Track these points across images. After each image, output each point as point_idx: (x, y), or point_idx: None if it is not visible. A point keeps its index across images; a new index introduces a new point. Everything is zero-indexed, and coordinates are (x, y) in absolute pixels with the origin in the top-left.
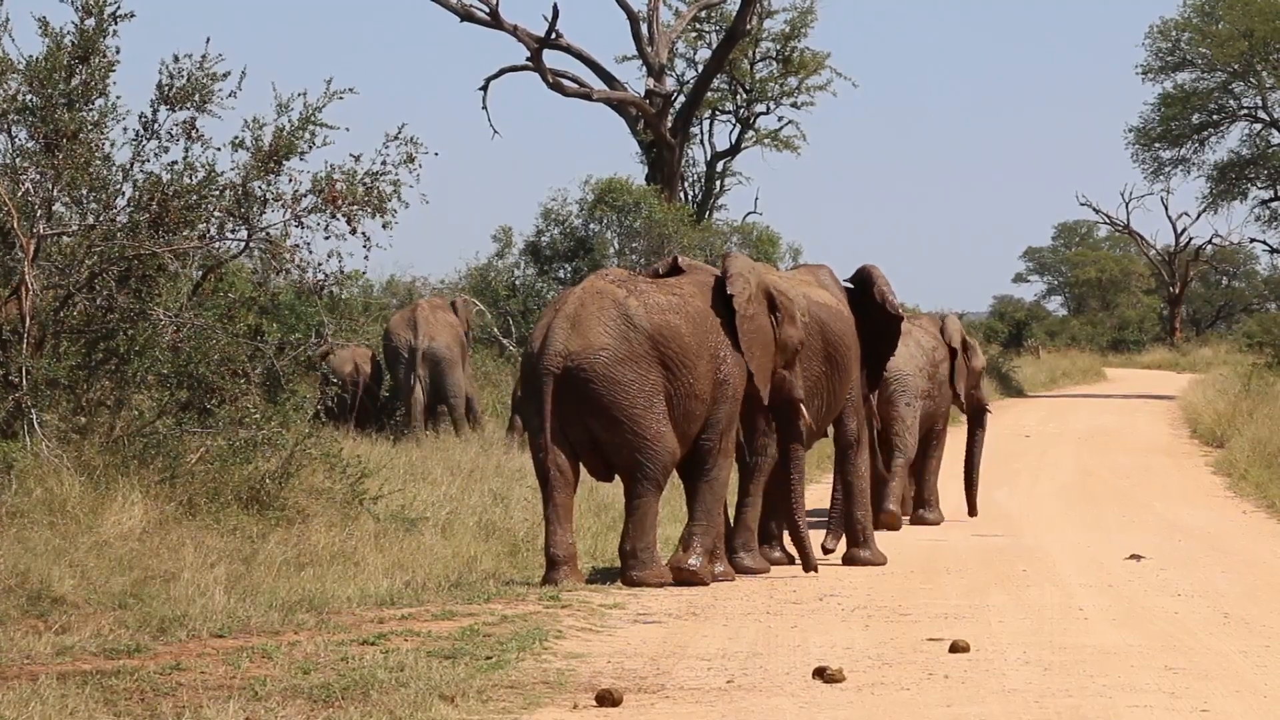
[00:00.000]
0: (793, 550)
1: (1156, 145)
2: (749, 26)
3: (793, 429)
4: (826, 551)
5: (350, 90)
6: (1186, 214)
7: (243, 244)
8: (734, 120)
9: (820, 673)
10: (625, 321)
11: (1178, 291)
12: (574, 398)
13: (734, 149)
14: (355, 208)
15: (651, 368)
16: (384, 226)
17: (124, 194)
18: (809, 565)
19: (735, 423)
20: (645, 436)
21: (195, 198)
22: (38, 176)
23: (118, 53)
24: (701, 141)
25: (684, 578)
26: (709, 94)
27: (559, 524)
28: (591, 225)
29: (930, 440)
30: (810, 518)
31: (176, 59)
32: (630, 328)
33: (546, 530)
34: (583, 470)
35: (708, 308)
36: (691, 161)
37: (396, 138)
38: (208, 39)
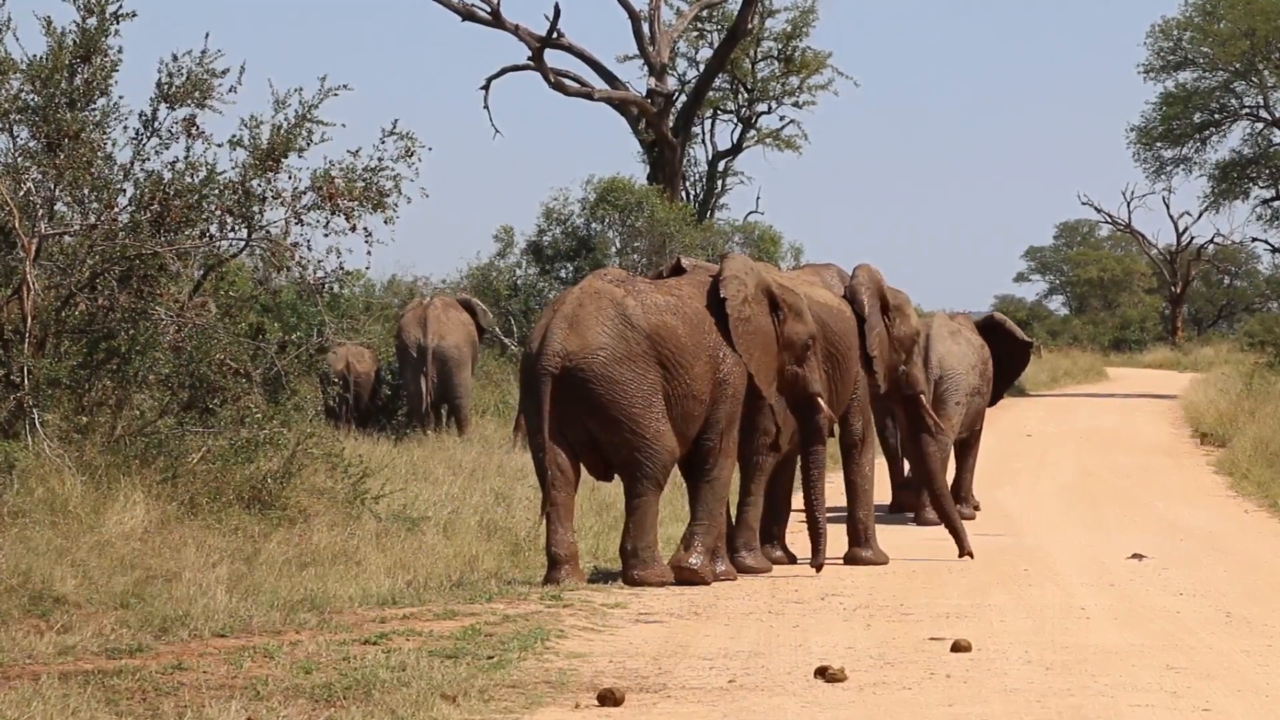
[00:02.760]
0: (794, 550)
1: (1158, 144)
2: (750, 26)
3: (812, 425)
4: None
5: (345, 87)
6: (1188, 213)
7: (243, 243)
8: (735, 120)
9: (822, 672)
10: (623, 321)
11: (1179, 291)
12: (572, 397)
13: (735, 148)
14: (354, 204)
15: (649, 367)
16: (385, 222)
17: (125, 193)
18: (817, 563)
19: (736, 422)
20: (644, 436)
21: (196, 197)
22: (39, 176)
23: (120, 52)
24: (703, 141)
25: (685, 576)
26: (710, 93)
27: (559, 523)
28: (593, 225)
29: (969, 440)
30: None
31: (175, 58)
32: (628, 327)
33: (547, 529)
34: (584, 470)
35: (705, 308)
36: (693, 161)
37: (393, 133)
38: (206, 35)
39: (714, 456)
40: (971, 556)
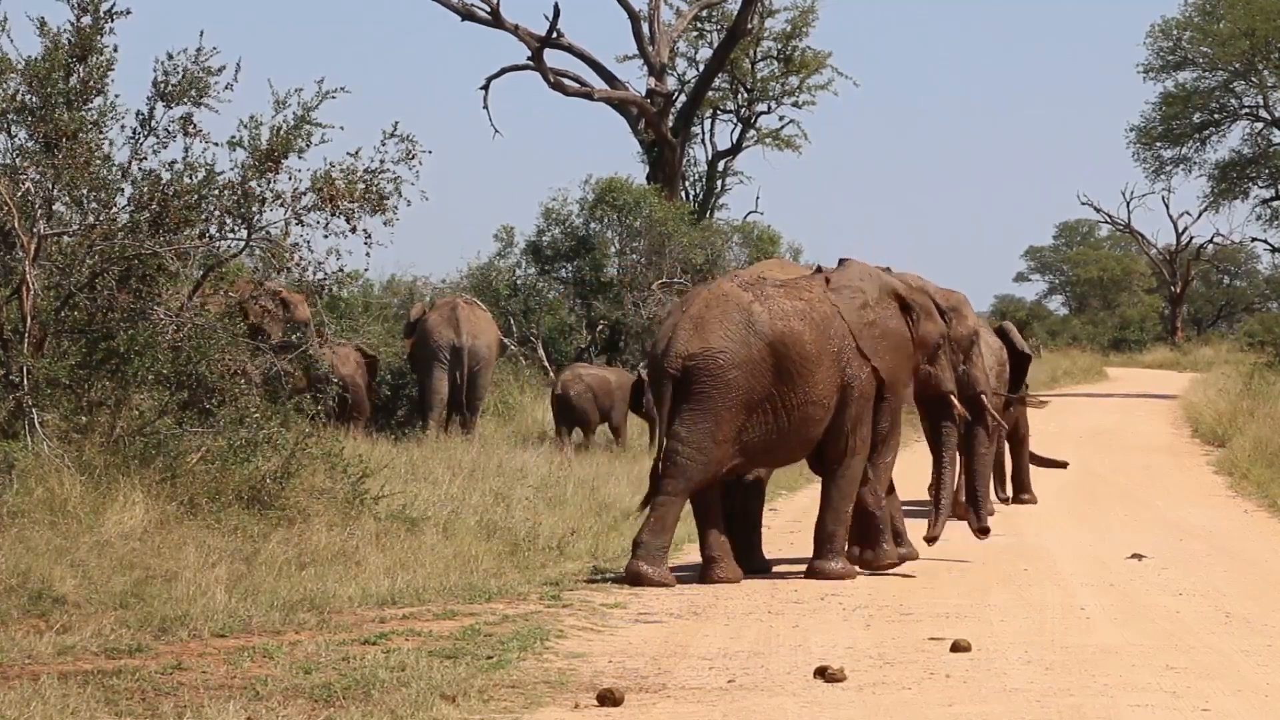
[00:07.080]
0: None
1: (1158, 144)
2: (750, 26)
3: (948, 420)
4: (930, 541)
5: (342, 89)
6: (1188, 213)
7: (243, 243)
8: (735, 119)
9: (822, 672)
10: (747, 326)
11: (1179, 291)
12: (686, 395)
13: (735, 148)
14: (354, 205)
15: (763, 375)
16: (385, 224)
17: (124, 193)
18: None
19: (866, 422)
20: (714, 439)
21: (195, 197)
22: (38, 176)
23: (115, 50)
24: (703, 141)
25: (823, 576)
26: (710, 93)
27: (661, 525)
28: (592, 225)
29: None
30: (908, 507)
31: (170, 56)
32: (751, 333)
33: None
34: (592, 469)
35: (834, 311)
36: (692, 161)
37: (393, 135)
38: (201, 32)
39: (845, 456)
40: (987, 533)
